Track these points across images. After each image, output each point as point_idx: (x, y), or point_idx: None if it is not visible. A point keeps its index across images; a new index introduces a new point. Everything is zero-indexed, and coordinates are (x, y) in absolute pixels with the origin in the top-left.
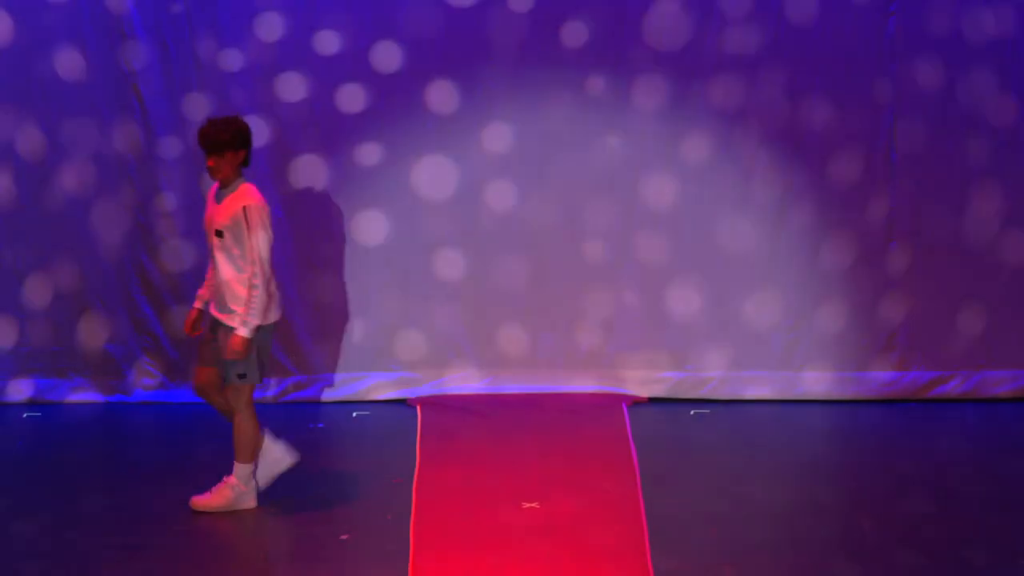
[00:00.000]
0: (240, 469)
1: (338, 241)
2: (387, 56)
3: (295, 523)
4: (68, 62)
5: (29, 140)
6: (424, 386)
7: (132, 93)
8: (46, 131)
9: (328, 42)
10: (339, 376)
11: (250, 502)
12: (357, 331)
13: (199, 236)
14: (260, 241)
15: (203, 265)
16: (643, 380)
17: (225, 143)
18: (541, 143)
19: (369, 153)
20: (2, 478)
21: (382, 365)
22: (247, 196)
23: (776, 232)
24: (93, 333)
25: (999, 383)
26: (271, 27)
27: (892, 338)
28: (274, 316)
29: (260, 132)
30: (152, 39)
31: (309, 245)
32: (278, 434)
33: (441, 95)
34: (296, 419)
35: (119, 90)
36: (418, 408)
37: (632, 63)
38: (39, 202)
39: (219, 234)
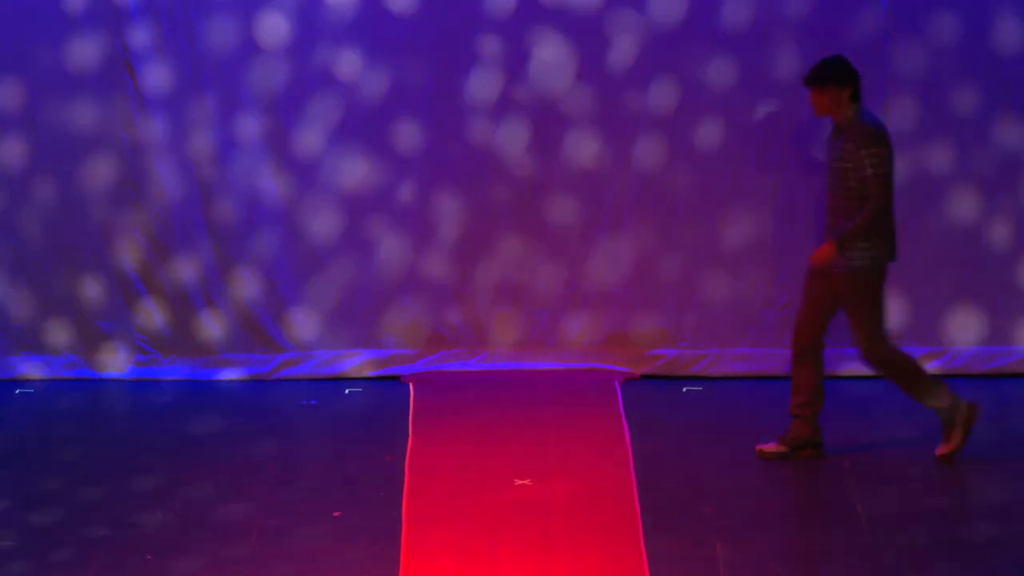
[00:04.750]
0: None
1: (331, 217)
2: (382, 29)
3: (287, 500)
4: (62, 40)
5: (23, 116)
6: (417, 363)
7: (126, 71)
8: (40, 108)
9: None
10: (332, 352)
11: None
12: (351, 307)
13: (193, 213)
14: None
15: (196, 241)
16: (636, 357)
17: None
18: (536, 120)
19: (362, 127)
20: None
21: (376, 342)
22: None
23: (769, 210)
24: (86, 309)
25: (990, 359)
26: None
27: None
28: None
29: (255, 110)
30: (147, 17)
31: (302, 220)
32: (272, 411)
33: (437, 65)
34: (289, 396)
35: (114, 68)
36: (411, 385)
37: (626, 39)
38: (32, 179)
39: None
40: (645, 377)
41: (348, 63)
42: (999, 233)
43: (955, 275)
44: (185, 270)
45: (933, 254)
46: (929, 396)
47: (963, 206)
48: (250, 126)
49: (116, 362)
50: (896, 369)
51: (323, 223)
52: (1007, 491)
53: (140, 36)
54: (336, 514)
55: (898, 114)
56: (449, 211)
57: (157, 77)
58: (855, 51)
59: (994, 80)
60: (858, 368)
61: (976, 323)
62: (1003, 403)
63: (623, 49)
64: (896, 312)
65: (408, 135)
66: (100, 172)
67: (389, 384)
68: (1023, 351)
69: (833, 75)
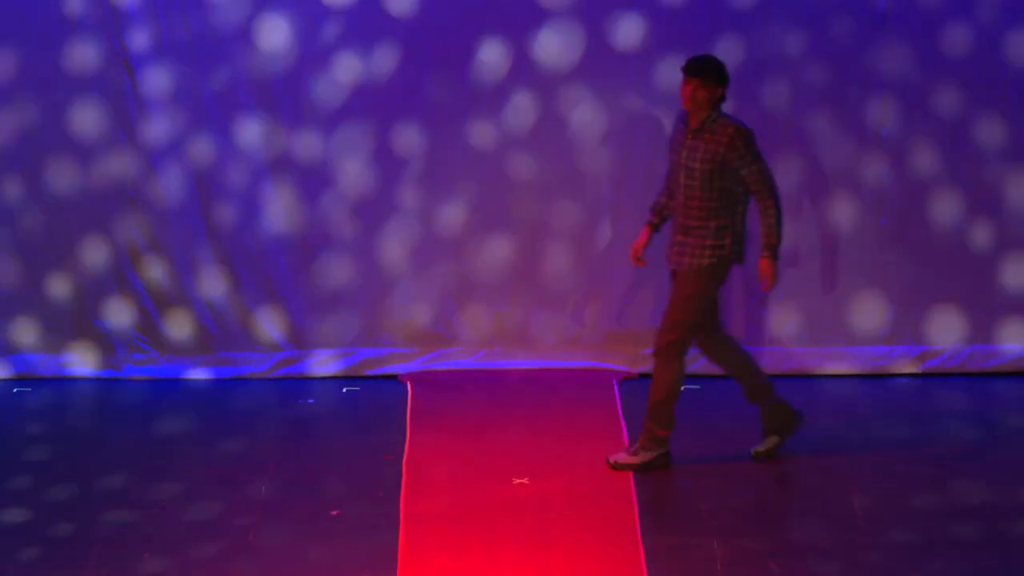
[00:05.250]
0: None
1: (329, 215)
2: (382, 29)
3: (285, 499)
4: (59, 37)
5: (22, 115)
6: (415, 361)
7: (125, 71)
8: (39, 107)
9: None
10: (329, 351)
11: None
12: (348, 306)
13: (191, 211)
14: None
15: (194, 240)
16: (633, 356)
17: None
18: (534, 119)
19: (361, 126)
20: None
21: (373, 340)
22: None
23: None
24: (83, 308)
25: (988, 357)
26: None
27: (882, 312)
28: None
29: (254, 110)
30: (147, 17)
31: (299, 219)
32: (269, 410)
33: (436, 65)
34: (286, 394)
35: (111, 65)
36: (408, 384)
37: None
38: (28, 178)
39: None
40: (643, 376)
41: (348, 62)
42: (997, 232)
43: (950, 275)
44: (183, 269)
45: (931, 254)
46: (666, 415)
47: (961, 206)
48: (249, 125)
49: (113, 361)
50: (668, 375)
51: (321, 221)
52: (1005, 490)
53: (140, 36)
54: (334, 513)
55: (896, 114)
56: (447, 210)
57: (156, 77)
58: (853, 50)
59: (992, 82)
60: (847, 367)
61: (974, 323)
62: (999, 402)
63: (623, 46)
64: (896, 312)
65: (407, 134)
66: (98, 171)
67: (387, 383)
68: (1018, 350)
69: (718, 72)
